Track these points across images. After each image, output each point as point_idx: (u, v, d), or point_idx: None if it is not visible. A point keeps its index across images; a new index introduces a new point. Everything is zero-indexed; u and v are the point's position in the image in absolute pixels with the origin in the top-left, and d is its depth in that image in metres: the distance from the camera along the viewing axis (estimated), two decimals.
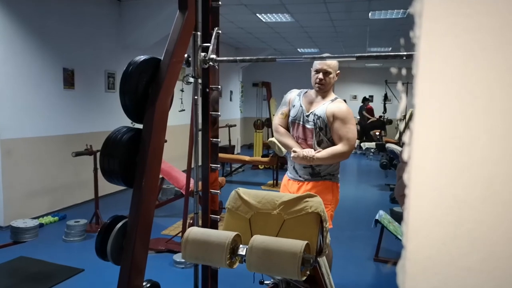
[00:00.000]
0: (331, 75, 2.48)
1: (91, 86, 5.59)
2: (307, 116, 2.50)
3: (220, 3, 1.98)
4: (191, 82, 1.93)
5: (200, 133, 2.03)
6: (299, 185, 2.54)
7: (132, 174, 1.58)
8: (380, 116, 11.86)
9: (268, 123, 8.42)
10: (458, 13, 0.39)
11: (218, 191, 2.09)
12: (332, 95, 2.55)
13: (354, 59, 1.76)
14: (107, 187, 4.63)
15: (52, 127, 4.95)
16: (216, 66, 1.98)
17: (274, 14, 6.84)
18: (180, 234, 3.89)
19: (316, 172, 2.50)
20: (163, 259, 3.58)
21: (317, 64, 2.49)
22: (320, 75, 2.47)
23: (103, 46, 5.76)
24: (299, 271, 1.51)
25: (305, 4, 6.09)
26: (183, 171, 4.42)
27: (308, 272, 1.63)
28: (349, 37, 8.90)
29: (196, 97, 1.96)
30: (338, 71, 2.54)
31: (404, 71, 0.61)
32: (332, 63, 2.48)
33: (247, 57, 2.23)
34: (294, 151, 2.46)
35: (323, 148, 2.46)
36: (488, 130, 0.39)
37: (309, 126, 2.49)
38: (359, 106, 12.20)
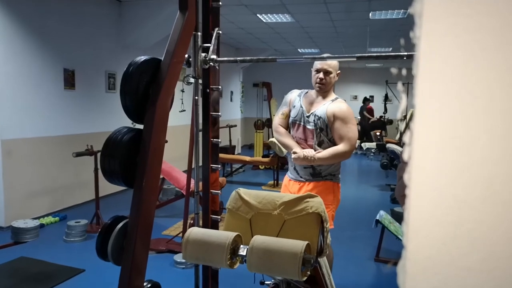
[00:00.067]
0: (331, 75, 2.48)
1: (91, 86, 5.59)
2: (308, 116, 2.50)
3: (220, 3, 1.98)
4: (191, 83, 1.93)
5: (200, 133, 2.03)
6: (300, 185, 2.53)
7: (133, 174, 1.58)
8: (381, 116, 11.86)
9: (268, 123, 8.43)
10: (458, 13, 0.39)
11: (219, 192, 2.09)
12: (332, 95, 2.55)
13: (355, 59, 1.76)
14: (107, 187, 4.63)
15: (52, 127, 4.95)
16: (217, 67, 1.98)
17: (274, 15, 6.84)
18: (180, 235, 3.89)
19: (317, 172, 2.49)
20: (163, 259, 3.58)
21: (317, 64, 2.49)
22: (321, 75, 2.47)
23: (103, 46, 5.76)
24: (299, 271, 1.51)
25: (306, 4, 6.09)
26: (184, 171, 4.42)
27: (308, 273, 1.63)
28: (350, 37, 8.90)
29: (196, 97, 1.96)
30: (339, 71, 2.54)
31: (404, 71, 0.61)
32: (332, 63, 2.48)
33: (248, 58, 2.24)
34: (295, 152, 2.45)
35: (324, 149, 2.46)
36: (488, 130, 0.39)
37: (309, 126, 2.49)
38: (359, 107, 12.21)
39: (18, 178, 4.49)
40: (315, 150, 2.46)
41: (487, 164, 0.39)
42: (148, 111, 1.58)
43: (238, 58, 2.05)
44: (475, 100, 0.39)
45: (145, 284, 1.69)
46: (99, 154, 3.68)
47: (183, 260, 2.99)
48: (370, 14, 6.58)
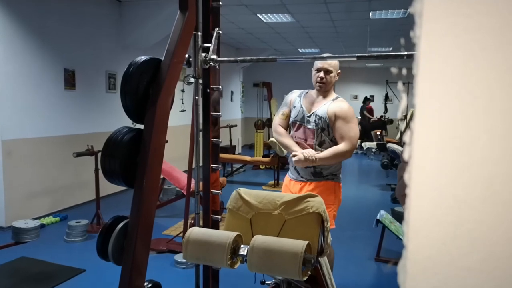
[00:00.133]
0: (332, 74, 2.48)
1: (92, 86, 5.60)
2: (309, 116, 2.49)
3: (220, 3, 1.98)
4: (192, 83, 1.93)
5: (201, 133, 2.03)
6: (301, 185, 2.53)
7: (133, 174, 1.58)
8: (381, 116, 11.86)
9: (269, 123, 8.43)
10: (458, 13, 0.39)
11: (219, 192, 2.09)
12: (333, 95, 2.55)
13: (355, 59, 1.76)
14: (108, 187, 4.63)
15: (53, 127, 4.95)
16: (217, 67, 1.98)
17: (274, 15, 6.84)
18: (181, 235, 3.89)
19: (318, 172, 2.49)
20: (164, 259, 3.59)
21: (318, 63, 2.49)
22: (321, 74, 2.47)
23: (103, 46, 5.77)
24: (300, 271, 1.51)
25: (306, 4, 6.09)
26: (184, 171, 4.42)
27: (309, 272, 1.63)
28: (350, 37, 8.90)
29: (197, 97, 1.96)
30: (339, 71, 2.54)
31: (404, 71, 0.61)
32: (333, 62, 2.48)
33: (248, 58, 2.23)
34: (295, 155, 2.44)
35: (325, 149, 2.45)
36: (488, 130, 0.39)
37: (310, 126, 2.49)
38: (360, 106, 12.20)
39: (18, 178, 4.49)
40: (315, 150, 2.45)
41: (487, 164, 0.39)
42: (149, 111, 1.59)
43: (238, 58, 2.04)
44: (475, 100, 0.39)
45: (145, 284, 1.70)
46: (99, 154, 3.68)
47: (184, 260, 2.99)
48: (370, 14, 6.58)
